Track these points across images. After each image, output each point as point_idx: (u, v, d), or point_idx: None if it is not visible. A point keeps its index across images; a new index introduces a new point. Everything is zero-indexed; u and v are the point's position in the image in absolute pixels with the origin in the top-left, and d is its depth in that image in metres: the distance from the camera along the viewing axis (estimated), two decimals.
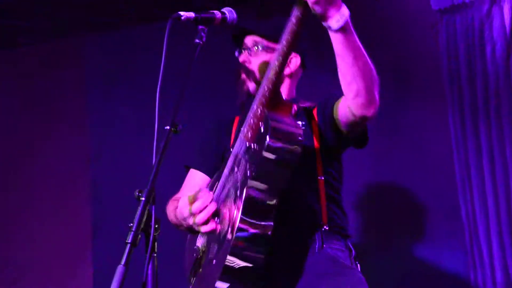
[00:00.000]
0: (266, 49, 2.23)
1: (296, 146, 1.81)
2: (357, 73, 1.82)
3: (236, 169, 1.94)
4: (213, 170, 2.26)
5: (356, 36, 1.81)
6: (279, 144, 1.79)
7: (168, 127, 1.75)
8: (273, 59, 1.88)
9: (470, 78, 3.56)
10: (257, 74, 2.20)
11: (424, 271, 3.53)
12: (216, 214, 1.91)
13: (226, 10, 2.03)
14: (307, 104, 2.21)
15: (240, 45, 2.31)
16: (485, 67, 3.53)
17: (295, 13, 1.80)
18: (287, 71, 2.24)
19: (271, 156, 1.79)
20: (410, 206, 3.66)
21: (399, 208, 3.69)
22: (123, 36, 4.52)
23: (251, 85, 2.21)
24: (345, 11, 1.77)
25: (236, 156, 1.99)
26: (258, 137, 1.85)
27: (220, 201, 1.96)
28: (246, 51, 2.26)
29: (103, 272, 4.24)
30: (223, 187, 2.00)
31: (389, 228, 3.67)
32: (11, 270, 4.56)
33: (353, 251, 2.11)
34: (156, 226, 1.57)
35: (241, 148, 1.96)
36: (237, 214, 1.79)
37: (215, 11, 2.01)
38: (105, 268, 3.85)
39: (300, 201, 2.04)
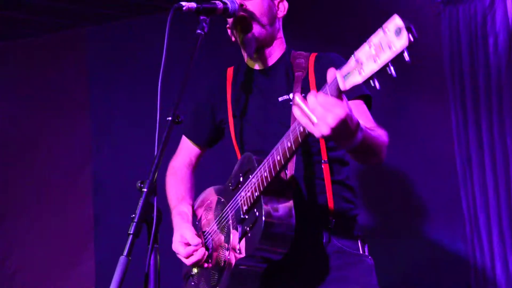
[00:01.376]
0: None
1: (286, 244, 1.84)
2: (368, 161, 1.85)
3: (225, 224, 2.03)
4: (206, 142, 2.35)
5: (368, 138, 1.68)
6: (267, 246, 1.83)
7: (169, 118, 1.75)
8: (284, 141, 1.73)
9: (472, 70, 3.55)
10: (260, 17, 2.09)
11: (425, 262, 3.53)
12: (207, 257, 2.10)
13: (227, 0, 2.02)
14: (301, 60, 2.12)
15: None
16: (488, 59, 3.51)
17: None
18: (279, 14, 2.18)
19: (258, 254, 1.86)
20: (411, 198, 3.67)
21: (401, 200, 3.69)
22: (124, 27, 4.52)
23: (256, 29, 2.08)
24: (358, 138, 1.61)
25: (226, 211, 2.04)
26: (252, 221, 1.86)
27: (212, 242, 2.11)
28: None
29: (105, 263, 4.26)
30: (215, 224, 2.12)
31: (390, 219, 3.67)
32: (13, 261, 4.58)
33: (360, 235, 2.09)
34: (158, 216, 1.57)
35: (232, 208, 1.99)
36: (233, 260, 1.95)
37: (216, 1, 2.01)
38: (107, 259, 3.87)
39: (305, 195, 2.03)
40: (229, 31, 2.16)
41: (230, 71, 2.27)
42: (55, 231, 4.53)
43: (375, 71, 1.42)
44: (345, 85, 1.48)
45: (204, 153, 2.43)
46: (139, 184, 1.60)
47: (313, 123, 1.50)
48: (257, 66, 2.18)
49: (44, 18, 4.49)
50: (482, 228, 3.46)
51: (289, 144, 1.69)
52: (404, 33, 1.35)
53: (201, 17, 1.93)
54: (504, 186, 3.42)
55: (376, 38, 1.42)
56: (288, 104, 2.05)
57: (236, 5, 2.03)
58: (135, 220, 1.52)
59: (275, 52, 2.16)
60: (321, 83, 2.01)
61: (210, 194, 2.22)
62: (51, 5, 4.27)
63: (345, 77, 1.49)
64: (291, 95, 2.06)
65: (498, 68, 3.49)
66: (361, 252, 2.04)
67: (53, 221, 4.54)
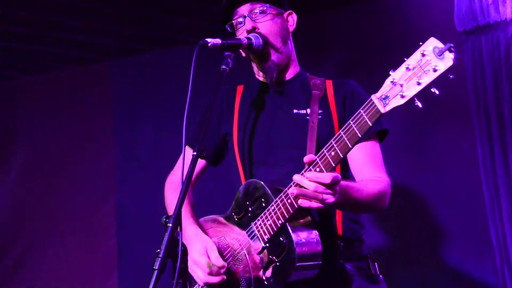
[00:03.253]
0: (267, 13, 2.09)
1: (314, 271, 1.84)
2: (367, 211, 1.93)
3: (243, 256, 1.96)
4: (211, 155, 2.24)
5: (358, 196, 1.85)
6: (299, 274, 1.82)
7: (195, 153, 1.76)
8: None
9: (497, 101, 3.52)
10: (275, 40, 2.07)
11: None
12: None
13: (252, 36, 2.05)
14: (317, 81, 2.14)
15: (230, 18, 2.14)
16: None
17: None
18: (290, 29, 2.17)
19: (289, 281, 1.84)
20: (439, 230, 3.61)
21: (429, 232, 3.64)
22: (149, 61, 4.59)
23: (274, 56, 2.08)
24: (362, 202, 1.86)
25: (236, 241, 1.98)
26: (278, 250, 1.84)
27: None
28: (248, 18, 2.07)
29: None
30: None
31: (418, 251, 3.61)
32: None
33: (370, 254, 2.09)
34: (184, 251, 1.57)
35: (246, 238, 1.94)
36: None
37: (241, 38, 2.04)
38: None
39: (318, 219, 2.01)
40: (243, 52, 2.15)
41: (240, 88, 2.26)
42: (79, 261, 4.54)
43: (418, 92, 1.46)
44: (385, 108, 1.53)
45: (205, 170, 2.31)
46: (164, 219, 1.60)
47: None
48: (272, 82, 2.16)
49: (70, 52, 4.59)
50: None
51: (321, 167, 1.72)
52: (447, 54, 1.42)
53: (226, 53, 1.95)
54: None
55: (414, 61, 1.47)
56: (303, 118, 2.06)
57: (261, 40, 2.05)
58: (161, 255, 1.52)
59: (291, 68, 2.18)
60: (341, 107, 2.06)
61: (207, 223, 2.14)
62: (77, 39, 4.37)
63: (383, 100, 1.53)
64: (308, 110, 2.06)
65: None
66: (373, 272, 2.03)
67: (78, 252, 4.56)
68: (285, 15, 2.18)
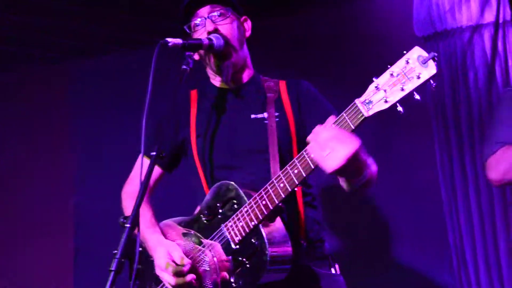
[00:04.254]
0: (226, 16, 2.09)
1: (285, 271, 1.84)
2: (360, 192, 1.89)
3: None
4: (168, 162, 2.19)
5: (370, 176, 1.81)
6: (270, 275, 1.81)
7: (154, 153, 1.74)
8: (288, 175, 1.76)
9: (455, 105, 3.60)
10: (233, 41, 2.07)
11: None
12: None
13: (213, 36, 2.04)
14: (271, 83, 2.15)
15: (189, 20, 2.12)
16: (469, 94, 3.57)
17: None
18: (246, 34, 2.18)
19: (259, 283, 1.83)
20: (398, 230, 3.67)
21: (387, 232, 3.69)
22: (110, 61, 4.53)
23: (233, 56, 2.07)
24: (365, 176, 1.77)
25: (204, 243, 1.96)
26: (249, 251, 1.83)
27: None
28: (209, 20, 2.07)
29: None
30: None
31: (378, 252, 3.66)
32: None
33: (330, 254, 2.10)
34: (141, 252, 1.55)
35: (216, 240, 1.93)
36: None
37: (202, 38, 2.03)
38: None
39: (285, 219, 2.01)
40: (197, 54, 2.13)
41: (193, 92, 2.24)
42: (37, 263, 4.46)
43: (402, 98, 1.53)
44: (368, 112, 1.58)
45: (163, 178, 2.25)
46: (122, 220, 1.58)
47: (324, 157, 1.57)
48: (227, 86, 2.17)
49: (32, 51, 4.50)
50: (469, 261, 3.47)
51: (296, 171, 1.72)
52: (431, 62, 1.49)
53: (187, 53, 1.94)
54: (489, 218, 3.44)
55: (398, 68, 1.54)
56: (261, 123, 2.06)
57: (222, 41, 2.05)
58: (117, 257, 1.50)
59: (246, 71, 2.19)
60: (297, 107, 2.07)
61: (169, 227, 2.10)
62: (37, 38, 4.28)
63: (366, 104, 1.57)
64: (265, 114, 2.07)
65: (479, 102, 3.55)
66: (333, 272, 2.06)
67: (35, 253, 4.47)
68: (241, 19, 2.20)
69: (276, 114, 2.07)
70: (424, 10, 3.67)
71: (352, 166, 1.60)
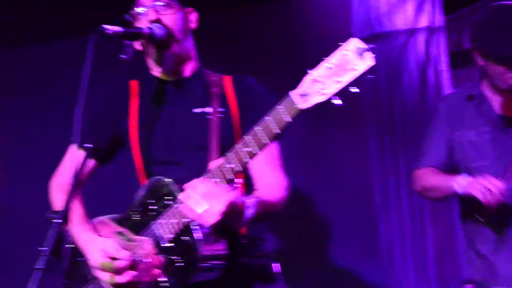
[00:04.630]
0: (170, 6, 2.03)
1: (219, 269, 1.81)
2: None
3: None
4: (102, 155, 2.10)
5: (261, 211, 1.82)
6: (202, 273, 1.78)
7: (89, 146, 1.67)
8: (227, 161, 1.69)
9: (390, 106, 3.68)
10: (177, 32, 2.01)
11: None
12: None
13: (155, 26, 1.98)
14: (215, 78, 2.10)
15: (131, 8, 2.06)
16: (403, 96, 3.66)
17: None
18: (192, 26, 2.12)
19: (192, 281, 1.78)
20: (329, 228, 3.71)
21: (318, 229, 3.72)
22: (36, 51, 4.35)
23: (174, 47, 2.01)
24: (247, 216, 1.75)
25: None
26: (181, 249, 1.78)
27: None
28: (152, 9, 2.00)
29: None
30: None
31: (307, 248, 3.69)
32: None
33: (271, 253, 2.08)
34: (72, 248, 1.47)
35: (150, 238, 1.85)
36: None
37: (143, 27, 1.96)
38: None
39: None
40: (139, 44, 2.06)
41: (134, 83, 2.16)
42: None
43: (338, 90, 1.48)
44: (304, 104, 1.53)
45: (96, 170, 2.14)
46: (50, 215, 1.50)
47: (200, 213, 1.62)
48: (169, 78, 2.11)
49: None
50: (398, 261, 3.54)
51: (232, 165, 1.67)
52: (368, 54, 1.47)
53: (126, 42, 1.87)
54: (419, 219, 3.53)
55: (335, 59, 1.50)
56: (204, 117, 2.01)
57: (164, 31, 1.99)
58: (44, 254, 1.41)
59: (190, 64, 2.12)
60: (242, 104, 2.04)
61: (103, 224, 2.02)
62: None
63: (302, 96, 1.53)
64: (208, 109, 2.02)
65: (412, 104, 3.64)
66: (273, 271, 2.04)
67: None
68: (187, 11, 2.14)
69: (220, 109, 2.02)
70: (362, 12, 3.73)
71: (229, 217, 1.64)
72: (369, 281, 3.61)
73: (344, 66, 1.49)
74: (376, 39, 3.74)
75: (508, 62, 2.02)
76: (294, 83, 1.78)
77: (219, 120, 1.99)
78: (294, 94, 1.55)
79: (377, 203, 3.63)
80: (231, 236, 1.90)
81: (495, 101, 2.08)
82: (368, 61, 1.47)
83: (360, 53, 1.48)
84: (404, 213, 3.56)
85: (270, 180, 2.00)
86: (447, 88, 3.72)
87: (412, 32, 3.73)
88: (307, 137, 3.65)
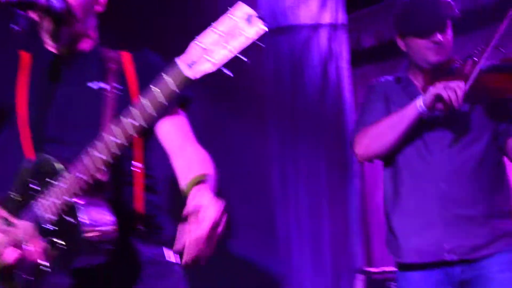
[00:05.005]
0: None
1: (105, 253, 1.69)
2: None
3: None
4: None
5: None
6: (87, 256, 1.67)
7: None
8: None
9: (292, 99, 3.73)
10: (78, 10, 1.87)
11: (237, 279, 3.55)
12: None
13: None
14: (113, 54, 1.99)
15: None
16: (305, 89, 3.72)
17: None
18: (98, 9, 1.99)
19: (74, 266, 1.67)
20: (232, 221, 3.68)
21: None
22: None
23: (73, 24, 1.88)
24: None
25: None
26: (64, 231, 1.65)
27: None
28: None
29: None
30: None
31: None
32: None
33: (168, 241, 2.01)
34: None
35: (31, 221, 1.72)
36: None
37: None
38: None
39: (117, 202, 1.87)
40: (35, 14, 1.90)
41: (25, 55, 2.00)
42: None
43: (229, 58, 1.39)
44: (192, 73, 1.44)
45: None
46: None
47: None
48: (64, 53, 1.97)
49: None
50: (295, 250, 3.60)
51: (118, 140, 1.57)
52: (258, 20, 1.37)
53: (19, 12, 1.73)
54: (316, 209, 3.60)
55: (223, 25, 1.40)
56: (98, 94, 1.90)
57: (62, 4, 1.85)
58: None
59: (86, 43, 1.99)
60: (142, 82, 1.92)
61: None
62: None
63: (189, 65, 1.44)
64: (104, 85, 1.90)
65: (314, 98, 3.71)
66: (170, 259, 1.99)
67: None
68: None
69: (117, 86, 1.92)
70: (268, 4, 3.75)
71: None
72: (267, 271, 3.63)
73: (233, 32, 1.40)
74: (281, 32, 3.78)
75: (425, 31, 2.05)
76: None
77: (115, 97, 1.89)
78: (181, 62, 1.46)
79: (276, 193, 3.66)
80: (124, 220, 1.80)
81: (419, 82, 2.14)
82: (258, 27, 1.37)
83: (249, 19, 1.39)
84: (302, 203, 3.62)
85: (195, 155, 1.89)
86: (347, 84, 3.83)
87: (315, 27, 3.79)
88: (206, 123, 3.59)
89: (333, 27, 3.83)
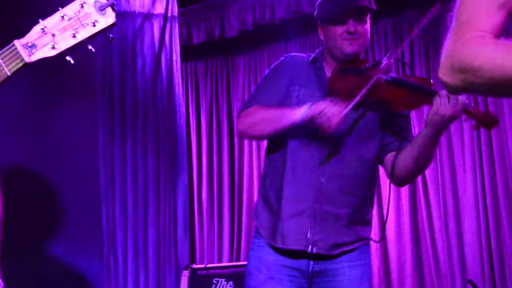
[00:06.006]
0: None
1: None
2: None
3: None
4: None
5: None
6: None
7: None
8: None
9: (122, 88, 3.56)
10: None
11: (60, 280, 3.31)
12: None
13: None
14: None
15: None
16: (136, 80, 3.58)
17: None
18: None
19: None
20: (51, 209, 3.40)
21: (40, 209, 3.38)
22: None
23: None
24: None
25: None
26: None
27: None
28: None
29: None
30: None
31: (28, 230, 3.31)
32: None
33: None
34: None
35: None
36: None
37: None
38: None
39: None
40: None
41: None
42: None
43: (73, 45, 1.36)
44: (30, 57, 1.37)
45: None
46: None
47: None
48: None
49: None
50: (119, 247, 3.46)
51: None
52: (110, 10, 1.35)
53: None
54: (142, 206, 3.50)
55: (71, 11, 1.36)
56: None
57: None
58: None
59: None
60: None
61: None
62: None
63: (29, 48, 1.36)
64: None
65: (144, 89, 3.59)
66: None
67: None
68: None
69: None
70: None
71: None
72: (88, 266, 3.43)
73: (81, 20, 1.37)
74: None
75: (340, 18, 2.02)
76: None
77: None
78: (19, 44, 1.38)
79: (102, 186, 3.48)
80: None
81: (328, 72, 2.09)
82: (109, 18, 1.36)
83: (101, 8, 1.36)
84: (129, 198, 3.50)
85: None
86: (177, 78, 3.77)
87: (148, 16, 3.67)
88: (35, 111, 3.28)
89: (166, 18, 3.74)
